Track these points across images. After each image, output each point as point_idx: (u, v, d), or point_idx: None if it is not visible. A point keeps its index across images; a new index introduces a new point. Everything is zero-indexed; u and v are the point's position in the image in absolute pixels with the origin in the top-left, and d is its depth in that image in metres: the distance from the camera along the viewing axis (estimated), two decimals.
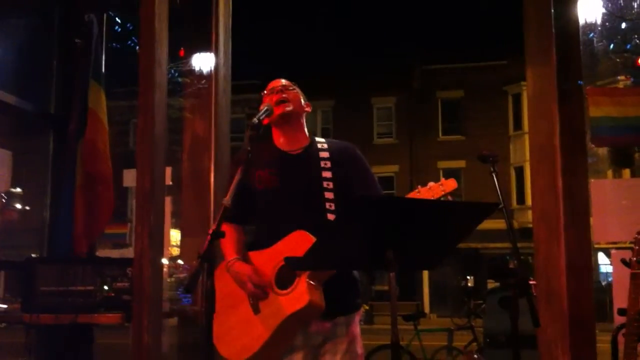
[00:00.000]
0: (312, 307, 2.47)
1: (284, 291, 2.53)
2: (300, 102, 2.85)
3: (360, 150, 2.92)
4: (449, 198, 2.42)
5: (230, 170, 3.00)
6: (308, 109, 2.91)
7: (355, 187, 2.74)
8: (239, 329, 2.59)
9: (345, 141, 2.94)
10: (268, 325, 2.54)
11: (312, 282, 2.48)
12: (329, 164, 2.76)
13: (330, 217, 2.67)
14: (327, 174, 2.74)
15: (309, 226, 2.55)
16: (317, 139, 2.89)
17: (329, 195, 2.70)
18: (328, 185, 2.72)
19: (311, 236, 2.52)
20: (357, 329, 2.77)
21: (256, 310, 2.60)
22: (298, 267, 2.46)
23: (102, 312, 3.92)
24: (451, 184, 2.42)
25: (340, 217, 2.21)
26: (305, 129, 2.89)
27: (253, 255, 2.71)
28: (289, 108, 2.76)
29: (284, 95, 2.78)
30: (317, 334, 2.67)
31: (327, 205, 2.68)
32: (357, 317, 2.79)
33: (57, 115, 5.09)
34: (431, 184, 2.45)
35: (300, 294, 2.48)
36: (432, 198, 2.41)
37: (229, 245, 2.72)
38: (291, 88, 2.84)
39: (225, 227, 2.80)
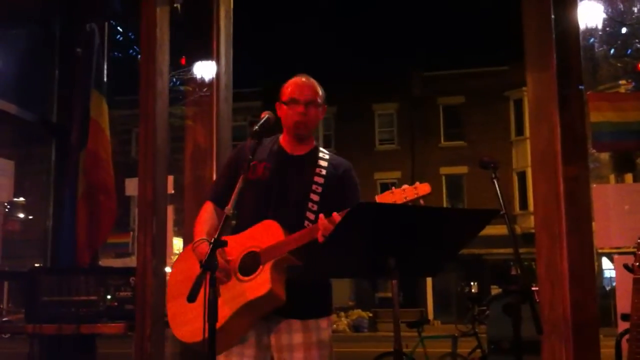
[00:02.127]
0: (272, 297, 2.48)
1: (246, 278, 2.55)
2: (316, 122, 2.84)
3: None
4: (421, 202, 2.41)
5: (229, 159, 2.97)
6: (321, 117, 2.89)
7: (340, 205, 2.73)
8: (195, 311, 2.50)
9: (345, 159, 2.95)
10: (226, 309, 2.53)
11: (274, 273, 2.50)
12: (323, 172, 2.79)
13: (310, 216, 2.69)
14: (318, 180, 2.77)
15: (287, 221, 2.59)
16: (321, 149, 2.91)
17: (314, 197, 2.73)
18: (317, 189, 2.75)
19: (280, 228, 2.56)
20: (321, 334, 2.71)
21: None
22: (299, 275, 2.46)
23: (105, 322, 3.92)
24: (425, 188, 2.39)
25: (342, 224, 2.21)
26: (313, 140, 2.93)
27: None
28: (304, 132, 2.80)
29: (305, 117, 2.76)
30: (269, 332, 2.66)
31: (310, 205, 2.71)
32: (324, 324, 2.75)
33: (59, 124, 5.10)
34: (406, 186, 2.42)
35: (263, 282, 2.49)
36: (405, 199, 2.37)
37: (200, 226, 2.74)
38: (314, 104, 2.79)
39: (206, 206, 2.83)
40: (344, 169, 2.86)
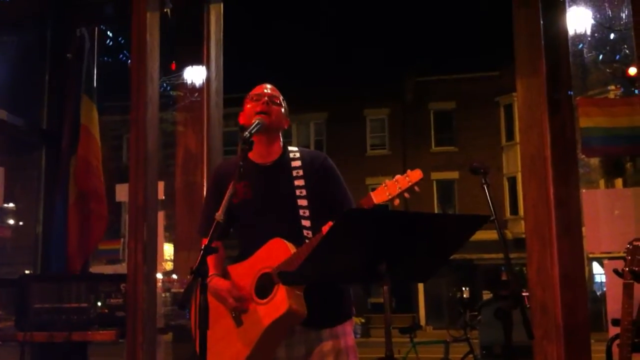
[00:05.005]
0: (292, 314, 2.47)
1: (264, 300, 2.54)
2: (281, 117, 2.82)
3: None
4: (416, 189, 2.40)
5: (210, 183, 2.99)
6: (285, 126, 2.88)
7: (328, 196, 2.74)
8: (223, 343, 2.58)
9: (318, 150, 2.97)
10: (251, 336, 2.54)
11: (291, 289, 2.48)
12: (301, 172, 2.76)
13: (305, 223, 2.68)
14: (299, 182, 2.74)
15: (285, 234, 2.58)
16: (290, 148, 2.87)
17: (302, 202, 2.71)
18: (301, 192, 2.72)
19: (288, 243, 2.54)
20: (347, 340, 2.72)
21: (239, 322, 2.60)
22: (290, 282, 2.45)
23: (96, 329, 3.90)
24: (416, 175, 2.40)
25: (332, 230, 2.21)
26: (280, 141, 2.87)
27: (232, 268, 2.73)
28: (267, 122, 2.73)
29: (270, 108, 2.75)
30: (299, 344, 2.64)
31: (301, 212, 2.69)
32: (348, 328, 2.75)
33: (49, 130, 5.08)
34: (398, 176, 2.41)
35: (280, 301, 2.48)
36: (400, 189, 2.38)
37: (207, 261, 2.71)
38: (277, 102, 2.81)
39: (204, 242, 2.81)
40: (320, 162, 2.82)
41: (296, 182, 2.74)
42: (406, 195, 2.39)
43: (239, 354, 2.55)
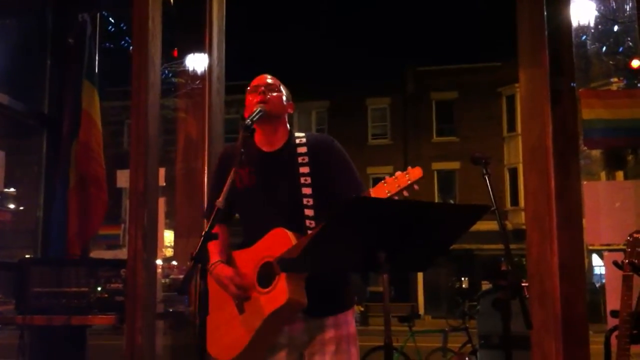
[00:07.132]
0: (291, 305, 2.48)
1: (265, 290, 2.54)
2: (282, 104, 2.79)
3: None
4: (415, 187, 2.39)
5: (215, 169, 2.98)
6: (290, 110, 2.85)
7: (335, 181, 2.71)
8: (224, 328, 2.60)
9: (325, 134, 2.93)
10: (251, 324, 2.55)
11: (292, 279, 2.48)
12: (306, 159, 2.73)
13: (308, 212, 2.66)
14: (304, 169, 2.71)
15: (287, 223, 2.57)
16: (296, 133, 2.84)
17: (306, 190, 2.68)
18: (305, 180, 2.70)
19: (290, 233, 2.53)
20: (349, 328, 2.72)
21: (241, 310, 2.61)
22: (290, 269, 2.45)
23: (95, 314, 3.91)
24: (416, 173, 2.35)
25: (333, 219, 2.20)
26: (287, 126, 2.84)
27: (236, 254, 2.72)
28: (268, 109, 2.70)
29: (266, 97, 2.73)
30: (301, 333, 2.65)
31: (305, 201, 2.67)
32: (350, 317, 2.75)
33: (51, 115, 5.08)
34: (398, 173, 2.38)
35: (280, 292, 2.48)
36: (399, 187, 2.35)
37: (211, 247, 2.69)
38: (275, 89, 2.78)
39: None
40: (326, 146, 2.79)
41: (301, 170, 2.71)
42: (405, 193, 2.37)
43: (240, 340, 2.57)
